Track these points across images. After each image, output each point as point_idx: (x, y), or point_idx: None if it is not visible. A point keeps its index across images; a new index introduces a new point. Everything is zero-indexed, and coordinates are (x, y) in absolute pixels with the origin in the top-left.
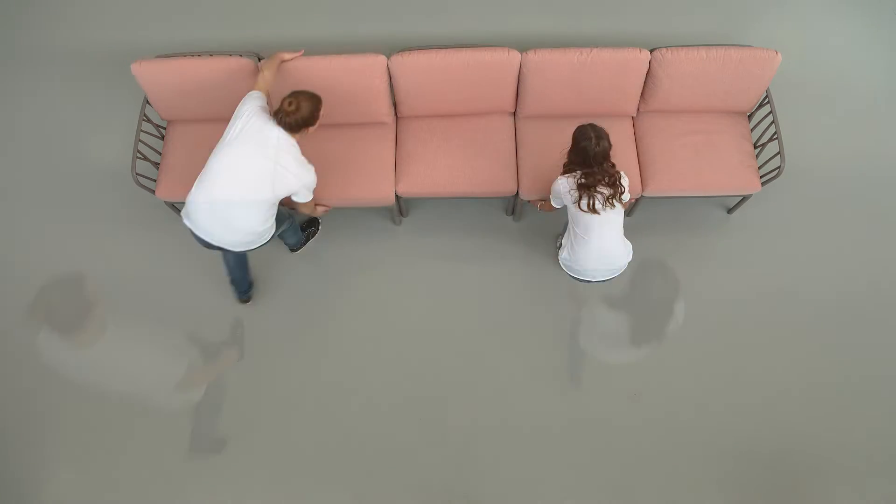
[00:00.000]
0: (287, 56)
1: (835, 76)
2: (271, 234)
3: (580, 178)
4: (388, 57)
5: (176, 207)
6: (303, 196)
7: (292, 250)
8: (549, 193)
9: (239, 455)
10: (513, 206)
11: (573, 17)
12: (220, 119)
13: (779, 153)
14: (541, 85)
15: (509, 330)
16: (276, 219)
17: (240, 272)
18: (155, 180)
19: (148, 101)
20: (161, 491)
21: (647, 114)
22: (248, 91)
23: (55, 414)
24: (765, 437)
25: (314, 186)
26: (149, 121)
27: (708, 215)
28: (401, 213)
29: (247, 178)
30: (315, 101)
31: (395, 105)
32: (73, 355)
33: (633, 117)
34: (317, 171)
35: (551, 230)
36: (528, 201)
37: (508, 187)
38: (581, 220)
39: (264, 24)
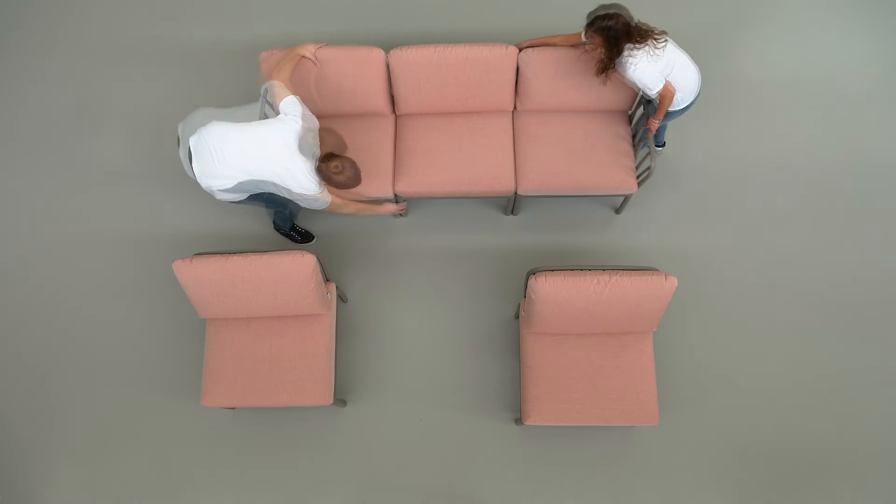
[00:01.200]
0: (310, 49)
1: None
2: (240, 199)
3: (633, 48)
4: (387, 53)
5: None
6: (305, 201)
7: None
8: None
9: (241, 457)
10: (512, 205)
11: (572, 15)
12: (350, 115)
13: (649, 153)
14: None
15: (507, 330)
16: (268, 200)
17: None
18: None
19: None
20: (163, 493)
21: (523, 112)
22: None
23: (61, 415)
24: (763, 436)
25: (319, 200)
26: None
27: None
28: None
29: (245, 144)
30: (354, 166)
31: (393, 103)
32: None
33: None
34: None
35: (551, 229)
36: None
37: (508, 187)
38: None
39: (260, 22)
